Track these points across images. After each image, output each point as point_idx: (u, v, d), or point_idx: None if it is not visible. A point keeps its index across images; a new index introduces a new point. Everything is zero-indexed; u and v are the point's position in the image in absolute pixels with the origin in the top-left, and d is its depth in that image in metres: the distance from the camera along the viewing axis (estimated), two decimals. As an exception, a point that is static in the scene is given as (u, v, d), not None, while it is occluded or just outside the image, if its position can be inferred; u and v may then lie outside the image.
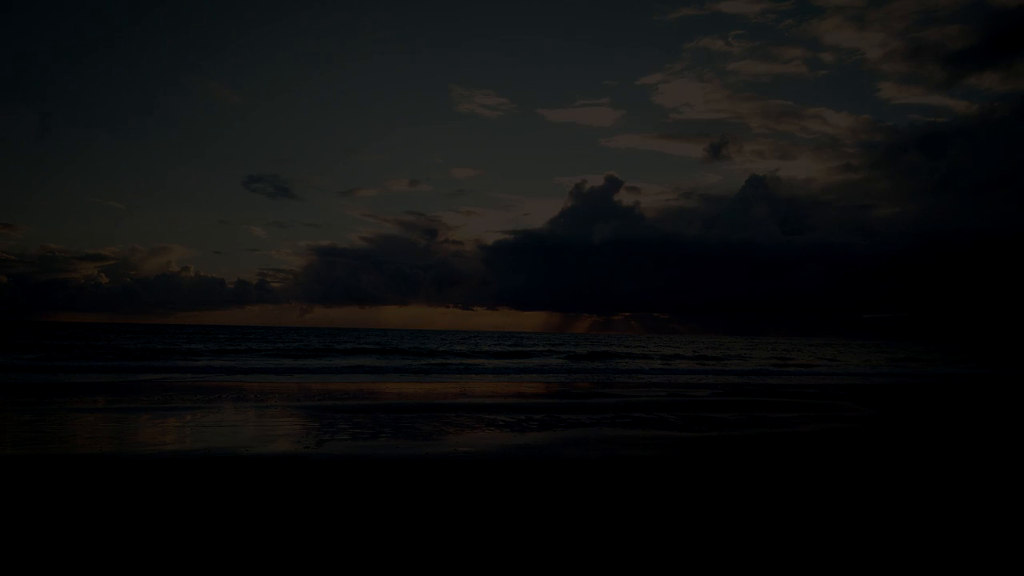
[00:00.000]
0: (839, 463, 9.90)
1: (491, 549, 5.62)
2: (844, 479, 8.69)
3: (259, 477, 8.44)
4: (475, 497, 7.45)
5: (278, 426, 13.18)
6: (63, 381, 23.03)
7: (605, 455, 10.35)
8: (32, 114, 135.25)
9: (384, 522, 6.39)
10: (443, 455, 10.17)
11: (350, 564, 5.25)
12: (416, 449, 10.68)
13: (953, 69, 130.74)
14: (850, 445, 11.72)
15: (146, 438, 11.70)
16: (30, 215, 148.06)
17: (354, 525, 6.29)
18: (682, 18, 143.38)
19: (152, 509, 6.78)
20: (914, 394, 24.24)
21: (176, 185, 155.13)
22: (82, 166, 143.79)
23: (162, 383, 22.98)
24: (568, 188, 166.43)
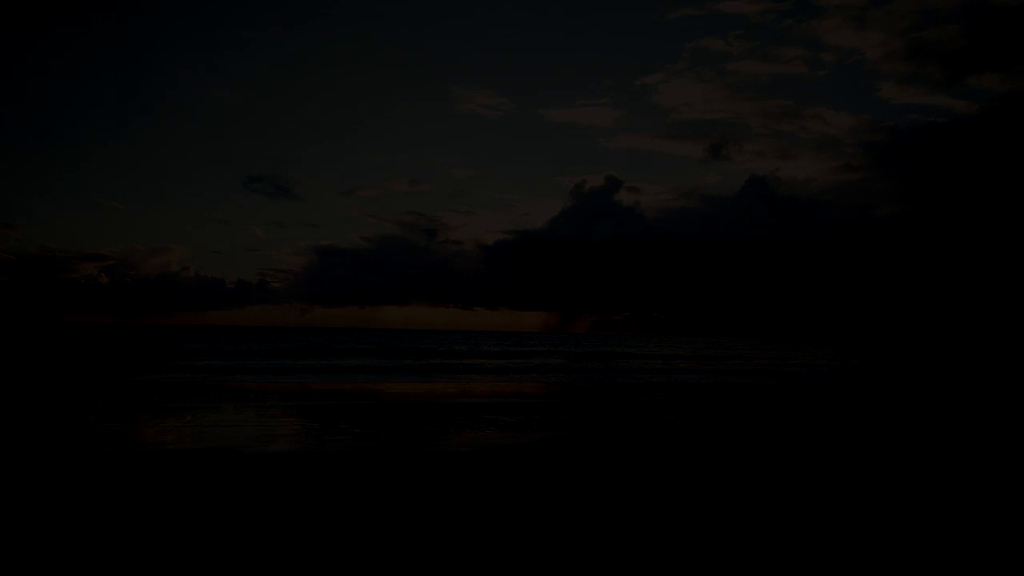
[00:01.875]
0: (833, 461, 9.92)
1: (492, 546, 5.63)
2: (838, 477, 8.72)
3: (260, 476, 8.45)
4: (476, 496, 7.46)
5: (278, 426, 13.20)
6: (62, 381, 23.03)
7: (605, 455, 10.37)
8: (32, 115, 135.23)
9: (385, 520, 6.40)
10: (444, 455, 10.18)
11: (351, 560, 5.27)
12: (416, 449, 10.70)
13: (953, 69, 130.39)
14: (845, 443, 11.74)
15: (146, 438, 11.72)
16: (30, 215, 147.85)
17: (355, 523, 6.30)
18: (682, 18, 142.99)
19: (153, 508, 6.79)
20: (911, 392, 24.25)
21: (176, 185, 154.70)
22: (82, 166, 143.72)
23: (162, 383, 22.99)
24: (568, 188, 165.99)
